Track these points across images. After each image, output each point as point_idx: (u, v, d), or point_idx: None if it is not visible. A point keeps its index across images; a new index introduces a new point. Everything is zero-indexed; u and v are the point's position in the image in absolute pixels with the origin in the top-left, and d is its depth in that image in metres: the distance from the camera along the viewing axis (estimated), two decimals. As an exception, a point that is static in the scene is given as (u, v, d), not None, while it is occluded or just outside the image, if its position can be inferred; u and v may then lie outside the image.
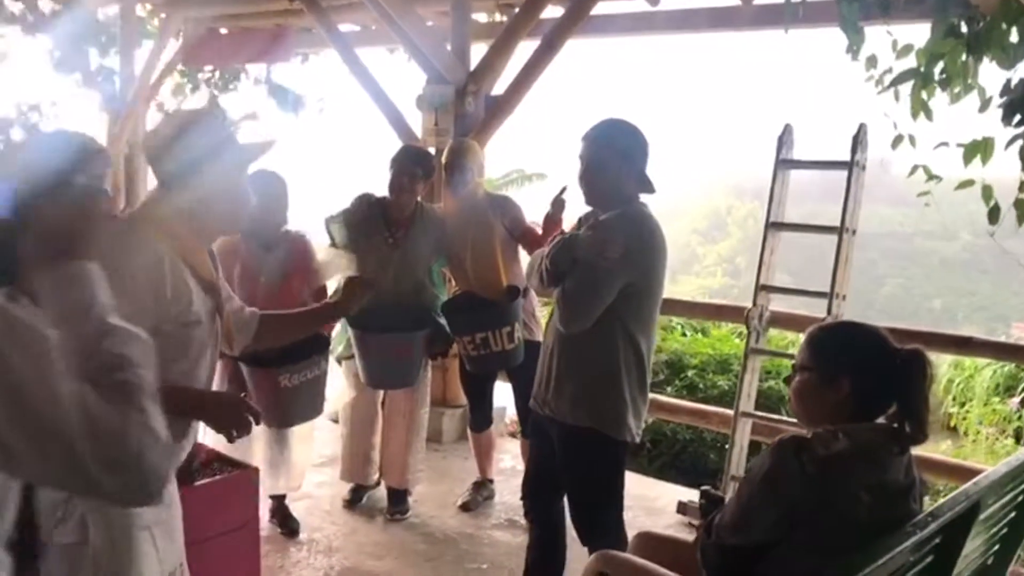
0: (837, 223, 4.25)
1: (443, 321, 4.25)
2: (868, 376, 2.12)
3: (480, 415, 4.67)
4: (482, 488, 4.71)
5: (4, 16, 8.09)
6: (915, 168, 4.28)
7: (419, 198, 4.33)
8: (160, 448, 1.09)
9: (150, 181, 2.79)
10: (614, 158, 2.94)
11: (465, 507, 4.60)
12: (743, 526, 2.13)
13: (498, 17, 6.15)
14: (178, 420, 2.06)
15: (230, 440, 2.21)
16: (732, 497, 2.23)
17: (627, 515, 3.21)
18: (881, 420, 2.14)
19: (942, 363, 7.62)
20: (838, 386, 2.13)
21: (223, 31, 7.88)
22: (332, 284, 4.20)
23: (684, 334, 7.99)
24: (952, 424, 7.42)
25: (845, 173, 4.23)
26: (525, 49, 5.36)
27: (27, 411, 0.99)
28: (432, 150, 5.45)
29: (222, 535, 3.08)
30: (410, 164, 4.21)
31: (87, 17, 8.01)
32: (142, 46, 8.19)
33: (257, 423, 2.23)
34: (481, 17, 6.20)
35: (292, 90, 8.66)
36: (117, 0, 7.62)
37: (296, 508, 4.37)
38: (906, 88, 4.15)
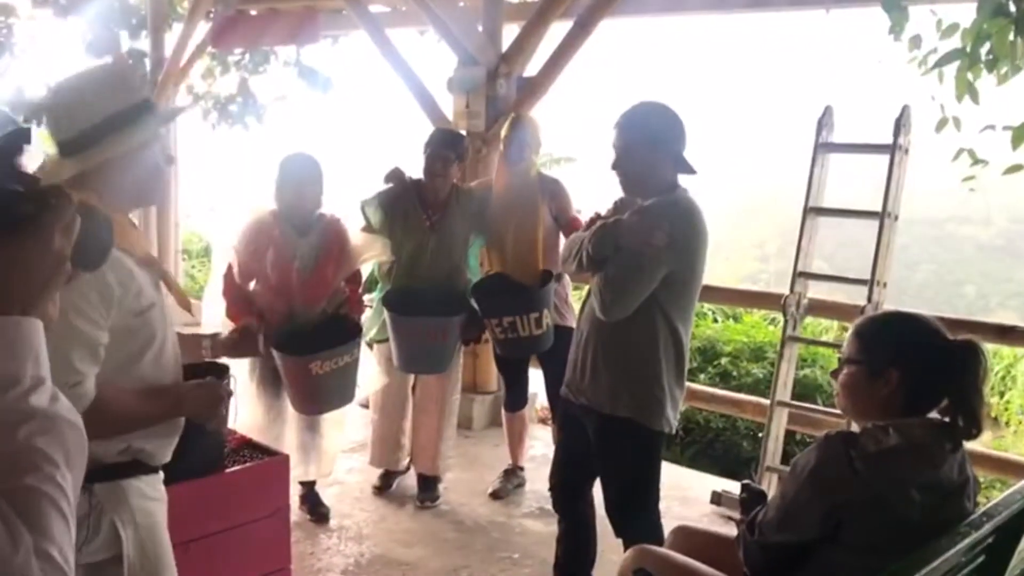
0: (872, 207, 4.15)
1: (475, 306, 4.21)
2: (918, 369, 2.03)
3: (515, 395, 4.64)
4: (512, 476, 4.66)
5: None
6: (960, 152, 4.17)
7: (455, 180, 4.26)
8: (58, 571, 0.88)
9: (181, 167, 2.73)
10: (647, 144, 2.85)
11: (495, 495, 4.56)
12: (788, 524, 2.06)
13: (529, -2, 6.06)
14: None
15: (209, 430, 2.14)
16: (776, 493, 2.16)
17: (661, 505, 3.15)
18: (934, 415, 2.06)
19: (981, 352, 7.48)
20: (887, 379, 2.05)
21: (253, 13, 7.84)
22: (367, 268, 4.16)
23: (715, 320, 7.89)
24: (992, 414, 7.29)
25: (886, 157, 4.11)
26: (558, 30, 5.27)
27: None
28: (463, 132, 5.40)
29: (253, 522, 3.06)
30: (443, 147, 4.16)
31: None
32: (172, 28, 8.19)
33: (228, 402, 2.14)
34: (513, -1, 6.11)
35: (322, 72, 8.63)
36: (148, -18, 7.60)
37: (326, 495, 4.35)
38: (950, 70, 4.03)
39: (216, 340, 2.68)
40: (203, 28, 7.81)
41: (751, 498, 2.32)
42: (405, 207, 4.19)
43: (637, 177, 2.89)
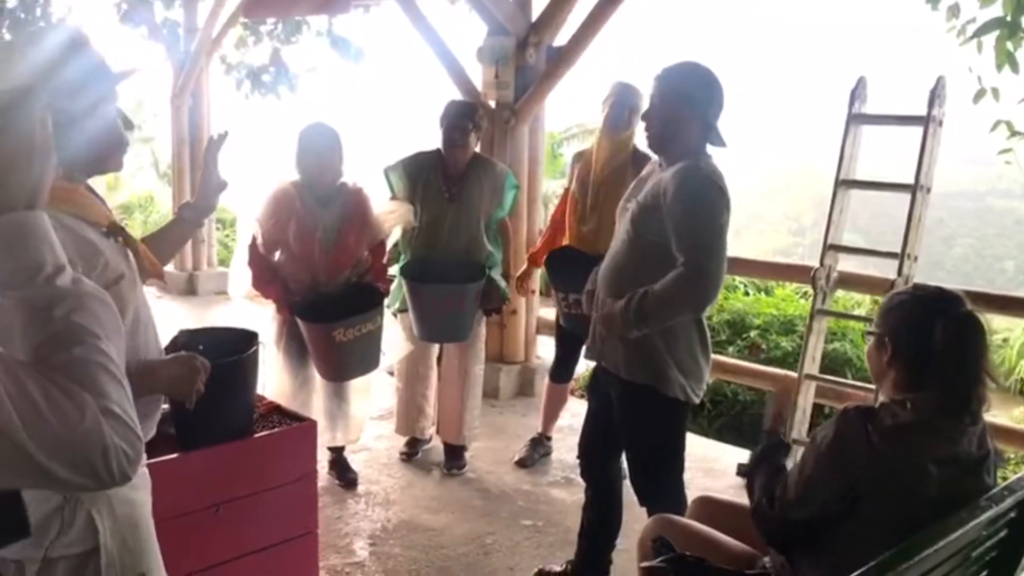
0: (905, 180, 4.09)
1: (496, 277, 4.24)
2: (906, 341, 2.04)
3: (564, 368, 4.64)
4: (539, 445, 4.69)
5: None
6: (997, 123, 4.10)
7: (475, 150, 4.27)
8: (126, 429, 0.97)
9: (214, 132, 2.71)
10: (680, 102, 2.79)
11: (521, 463, 4.59)
12: (807, 499, 2.06)
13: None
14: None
15: (188, 407, 1.97)
16: (795, 467, 2.16)
17: (686, 477, 3.15)
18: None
19: (1017, 327, 7.38)
20: (884, 350, 2.07)
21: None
22: (395, 235, 4.19)
23: (747, 293, 7.85)
24: (1024, 390, 7.22)
25: (919, 129, 4.05)
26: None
27: None
28: (492, 103, 5.39)
29: (281, 487, 3.10)
30: (460, 119, 4.18)
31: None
32: (205, -1, 8.22)
33: (203, 376, 1.97)
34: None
35: (354, 43, 8.63)
36: (181, -48, 7.62)
37: (354, 460, 4.41)
38: (989, 40, 3.96)
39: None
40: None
41: (772, 445, 2.33)
42: (426, 177, 4.22)
43: (662, 132, 2.83)
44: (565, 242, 4.41)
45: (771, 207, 41.29)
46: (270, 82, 8.74)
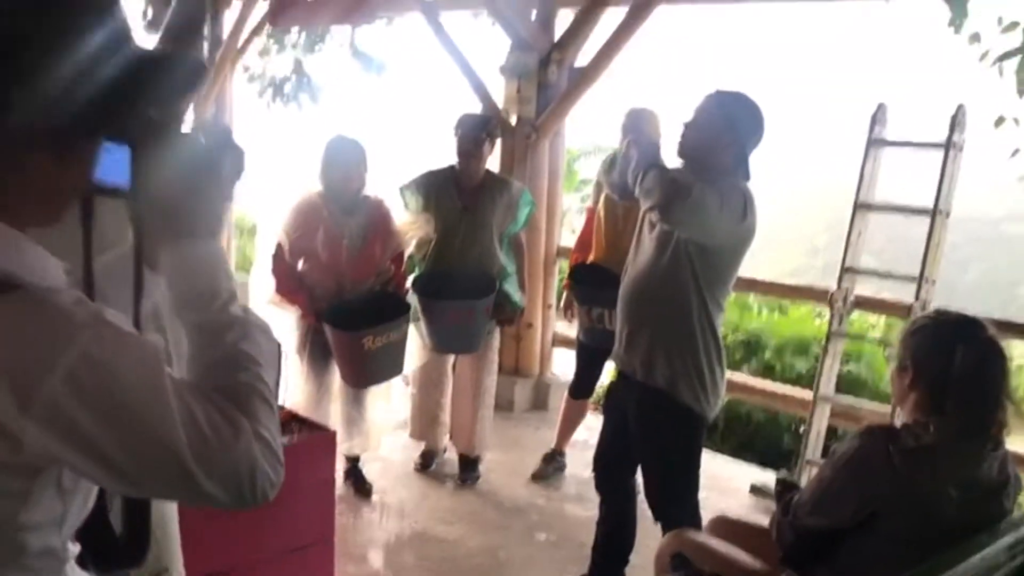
0: (921, 203, 4.12)
1: (509, 289, 4.29)
2: (928, 365, 2.06)
3: (584, 383, 4.66)
4: (553, 460, 4.71)
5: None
6: (1017, 151, 4.12)
7: (488, 163, 4.32)
8: (273, 455, 1.02)
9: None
10: (724, 124, 2.85)
11: (535, 477, 4.61)
12: (821, 508, 2.10)
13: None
14: None
15: None
16: (814, 477, 2.19)
17: (700, 495, 3.17)
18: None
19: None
20: (906, 373, 2.09)
21: (310, -7, 7.92)
22: (411, 246, 4.25)
23: (761, 313, 7.84)
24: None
25: (939, 155, 4.07)
26: (612, 17, 5.26)
27: (138, 430, 0.93)
28: (514, 119, 5.43)
29: (298, 494, 3.14)
30: (473, 129, 4.22)
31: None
32: (231, 6, 8.29)
33: None
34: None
35: (376, 55, 8.70)
36: (208, -39, 7.69)
37: (369, 470, 4.43)
38: (1010, 66, 3.98)
39: None
40: (261, 7, 7.89)
41: (785, 490, 2.35)
42: (440, 190, 4.25)
43: (697, 146, 2.87)
44: (591, 259, 4.45)
45: (785, 228, 41.20)
46: (292, 91, 8.82)
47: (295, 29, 8.44)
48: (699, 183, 2.75)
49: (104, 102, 0.96)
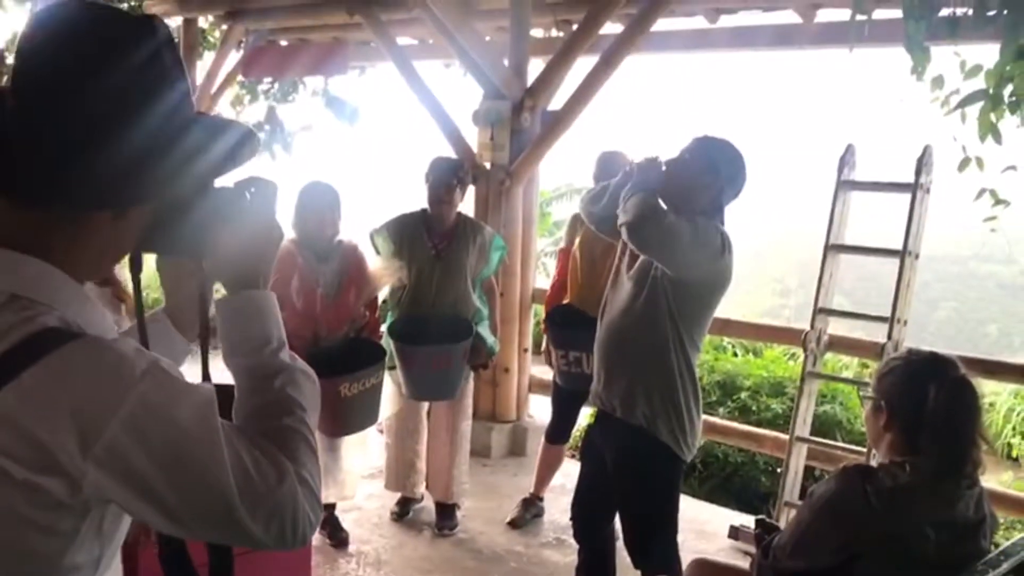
0: (894, 245, 4.17)
1: (484, 332, 4.29)
2: (901, 405, 2.08)
3: (560, 428, 4.63)
4: (531, 505, 4.67)
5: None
6: (982, 192, 4.19)
7: (460, 207, 4.34)
8: (314, 499, 1.06)
9: None
10: (707, 166, 2.90)
11: (513, 523, 4.57)
12: (801, 551, 2.10)
13: (556, 33, 6.14)
14: None
15: None
16: (792, 519, 2.19)
17: (678, 538, 3.16)
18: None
19: (1003, 391, 7.42)
20: (880, 414, 2.11)
21: (283, 43, 7.98)
22: (382, 294, 4.24)
23: (735, 354, 7.89)
24: (1014, 455, 7.21)
25: (907, 196, 4.14)
26: (583, 65, 5.34)
27: (191, 473, 0.97)
28: (488, 165, 5.47)
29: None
30: (445, 174, 4.23)
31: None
32: (204, 57, 8.33)
33: None
34: (539, 33, 6.19)
35: (349, 102, 8.75)
36: (181, 11, 7.75)
37: (345, 519, 4.37)
38: (973, 110, 4.06)
39: None
40: (234, 57, 7.94)
41: (766, 532, 2.35)
42: (412, 235, 4.26)
43: (680, 186, 2.90)
44: (566, 301, 4.46)
45: (757, 269, 41.58)
46: (264, 140, 8.83)
47: (268, 79, 8.49)
48: (677, 215, 2.79)
49: (164, 168, 1.02)
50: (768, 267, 42.07)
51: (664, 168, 2.92)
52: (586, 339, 3.89)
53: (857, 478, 2.03)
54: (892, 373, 2.13)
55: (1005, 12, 3.74)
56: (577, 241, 4.43)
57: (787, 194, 43.55)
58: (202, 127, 1.08)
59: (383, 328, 4.33)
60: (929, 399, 2.01)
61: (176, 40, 1.11)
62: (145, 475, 0.95)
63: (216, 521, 1.00)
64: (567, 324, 4.30)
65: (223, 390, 1.78)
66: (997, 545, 2.14)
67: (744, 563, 2.75)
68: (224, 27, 7.81)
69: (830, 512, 2.04)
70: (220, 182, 1.19)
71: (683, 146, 2.95)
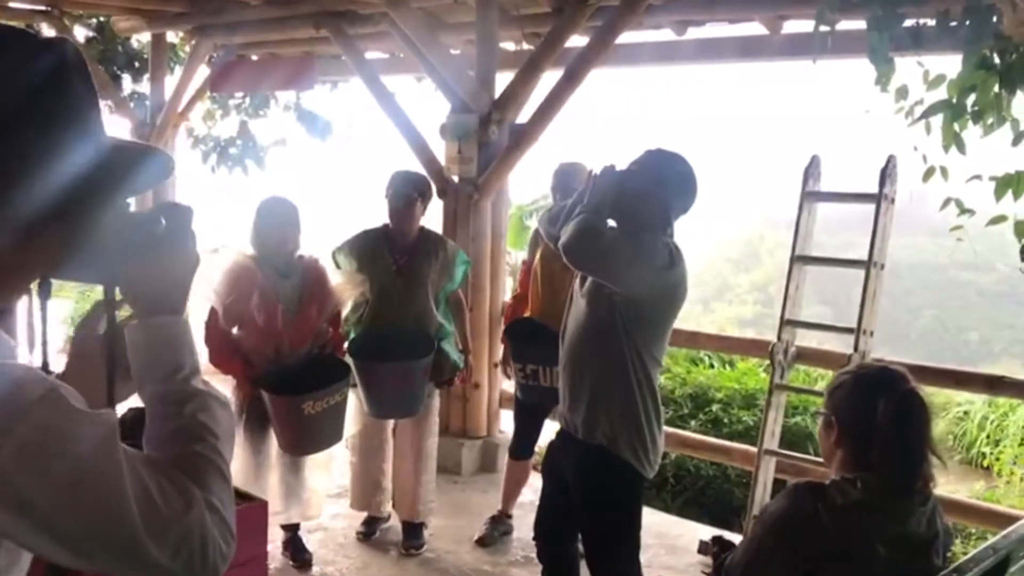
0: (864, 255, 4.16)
1: (448, 348, 4.26)
2: (851, 420, 2.05)
3: (524, 443, 4.59)
4: (499, 523, 4.62)
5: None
6: (947, 201, 4.19)
7: (421, 224, 4.32)
8: (225, 528, 1.02)
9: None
10: (653, 180, 2.87)
11: (481, 542, 4.51)
12: (753, 570, 2.06)
13: (526, 46, 6.14)
14: None
15: None
16: (745, 537, 2.16)
17: (647, 554, 3.14)
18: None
19: (976, 400, 7.44)
20: (832, 429, 2.08)
21: (253, 58, 7.95)
22: (345, 310, 4.19)
23: (712, 365, 7.87)
24: (985, 464, 7.22)
25: (872, 206, 4.13)
26: (550, 78, 5.32)
27: (89, 502, 0.93)
28: (455, 178, 5.44)
29: (229, 570, 3.02)
30: (405, 188, 4.21)
31: (119, 44, 8.14)
32: (174, 72, 8.28)
33: None
34: (508, 46, 6.18)
35: (321, 116, 8.71)
36: (149, 27, 7.70)
37: (309, 540, 4.31)
38: (937, 120, 4.06)
39: None
40: (203, 72, 7.90)
41: (722, 550, 2.31)
42: (373, 251, 4.23)
43: (628, 200, 2.87)
44: (527, 314, 4.43)
45: (739, 278, 41.73)
46: (237, 155, 8.78)
47: (239, 93, 8.44)
48: (614, 234, 2.78)
49: (69, 192, 0.99)
50: (751, 276, 42.24)
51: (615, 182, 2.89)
52: (544, 352, 3.89)
53: (807, 495, 2.00)
54: (842, 388, 2.10)
55: (967, 23, 3.75)
56: (537, 256, 4.41)
57: (767, 203, 43.79)
58: (113, 150, 1.06)
59: (346, 344, 4.28)
60: (878, 413, 1.98)
61: (87, 64, 1.09)
62: (40, 506, 0.91)
63: (119, 551, 0.96)
64: (526, 337, 4.27)
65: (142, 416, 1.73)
66: (955, 558, 2.11)
67: (707, 580, 2.72)
68: (193, 42, 7.76)
69: (781, 530, 2.01)
70: (134, 208, 1.16)
71: (633, 158, 2.93)
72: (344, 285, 4.11)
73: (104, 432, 0.96)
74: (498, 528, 4.60)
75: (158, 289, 1.13)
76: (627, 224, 2.88)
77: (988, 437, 7.34)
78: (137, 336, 1.13)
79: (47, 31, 8.06)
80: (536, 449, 4.68)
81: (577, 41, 5.44)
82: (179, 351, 1.13)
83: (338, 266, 4.26)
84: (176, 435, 1.07)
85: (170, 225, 1.14)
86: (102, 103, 1.23)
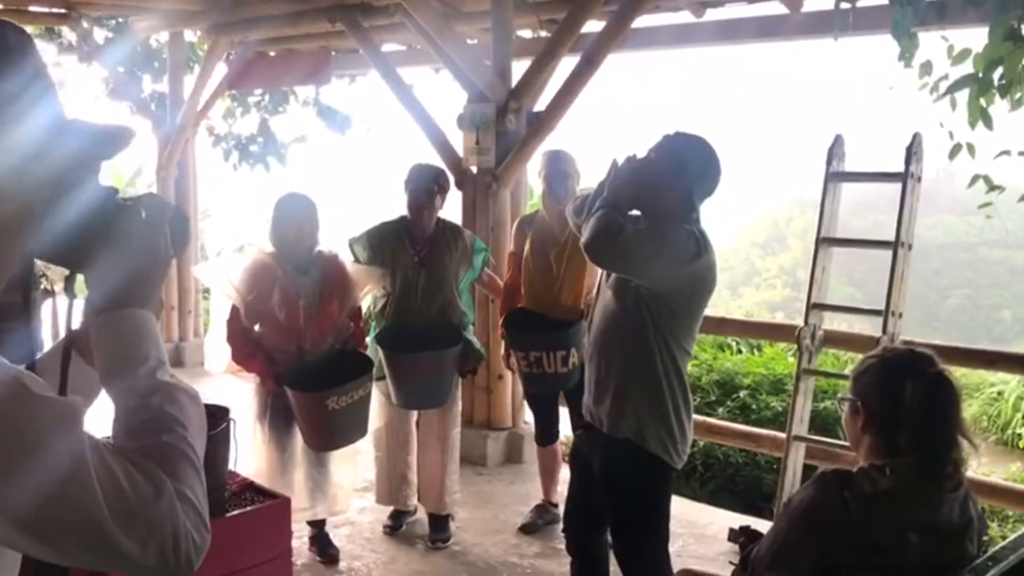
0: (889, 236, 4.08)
1: (472, 338, 4.26)
2: (878, 405, 1.99)
3: (545, 429, 4.59)
4: (544, 511, 4.58)
5: (61, 45, 8.28)
6: (976, 178, 4.10)
7: (439, 215, 4.30)
8: (197, 518, 1.00)
9: (200, 206, 2.71)
10: (671, 166, 2.79)
11: (525, 529, 4.50)
12: (780, 562, 2.00)
13: (541, 33, 6.08)
14: None
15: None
16: (771, 529, 2.10)
17: (676, 543, 3.09)
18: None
19: (1011, 380, 7.31)
20: (858, 415, 2.02)
21: (271, 54, 7.94)
22: (366, 303, 4.18)
23: (740, 351, 7.79)
24: (1021, 445, 7.09)
25: (899, 185, 4.05)
26: (567, 65, 5.27)
27: (54, 491, 0.91)
28: (474, 169, 5.41)
29: (253, 567, 3.03)
30: (424, 181, 4.20)
31: (138, 44, 8.16)
32: (193, 71, 8.30)
33: None
34: (524, 33, 6.13)
35: (340, 111, 8.71)
36: (167, 26, 7.72)
37: (336, 535, 4.31)
38: (963, 95, 3.97)
39: None
40: (221, 70, 7.90)
41: (749, 540, 2.27)
42: (393, 244, 4.22)
43: (648, 190, 2.82)
44: (520, 305, 4.40)
45: (767, 261, 41.44)
46: (258, 152, 8.80)
47: (257, 91, 8.46)
48: (636, 228, 2.72)
49: (33, 173, 0.98)
50: (780, 259, 41.93)
51: (635, 167, 2.83)
52: (545, 338, 3.94)
53: (835, 484, 1.94)
54: (868, 372, 2.05)
55: (992, -6, 3.66)
56: (528, 245, 4.36)
57: (794, 185, 43.40)
58: (71, 128, 1.04)
59: (368, 338, 4.26)
60: (906, 398, 1.92)
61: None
62: (4, 497, 0.89)
63: (88, 541, 0.93)
64: (525, 326, 4.24)
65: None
66: (994, 544, 2.06)
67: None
68: (211, 40, 7.76)
69: (808, 521, 1.95)
70: (120, 196, 1.14)
71: (651, 144, 2.87)
72: (365, 279, 4.10)
73: (66, 417, 0.94)
74: (543, 516, 4.57)
75: (125, 280, 1.12)
76: (650, 215, 2.82)
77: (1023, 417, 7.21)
78: (101, 327, 1.12)
79: (68, 34, 8.11)
80: (563, 439, 4.66)
81: (594, 26, 5.38)
82: (144, 343, 1.12)
83: (355, 256, 4.24)
84: (144, 426, 1.05)
85: (148, 217, 1.13)
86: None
